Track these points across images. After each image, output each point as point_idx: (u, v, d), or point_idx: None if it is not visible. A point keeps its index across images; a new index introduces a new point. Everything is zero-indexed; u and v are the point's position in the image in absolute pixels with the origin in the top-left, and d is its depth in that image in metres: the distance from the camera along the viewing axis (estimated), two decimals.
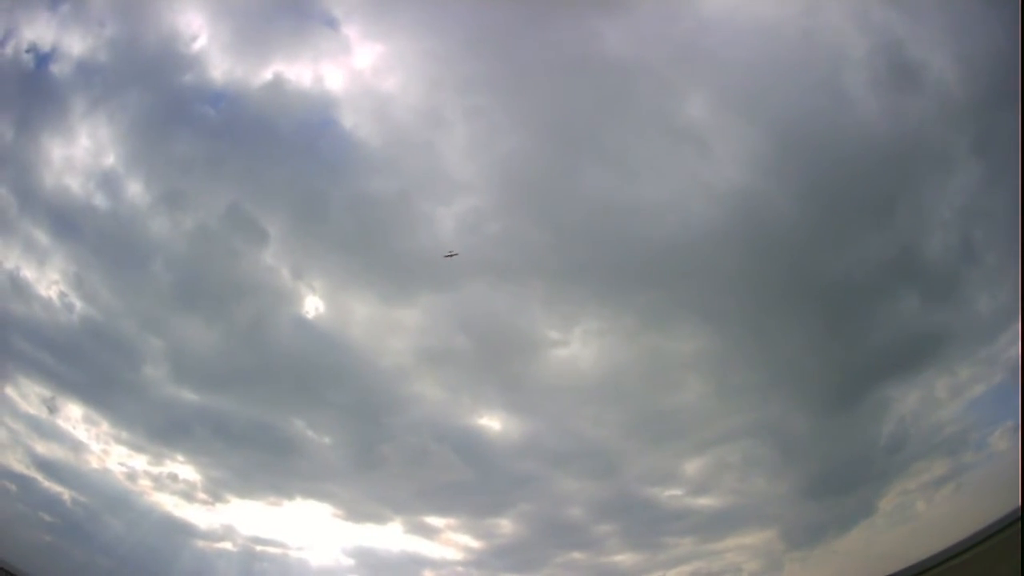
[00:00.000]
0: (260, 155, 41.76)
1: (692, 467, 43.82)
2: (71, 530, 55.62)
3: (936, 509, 33.60)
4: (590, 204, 38.97)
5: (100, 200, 52.29)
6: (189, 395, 51.27)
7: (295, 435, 49.74)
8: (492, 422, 52.70)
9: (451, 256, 42.10)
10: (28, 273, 53.97)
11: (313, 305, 48.07)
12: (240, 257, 42.87)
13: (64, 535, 54.68)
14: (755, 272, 39.58)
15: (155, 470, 58.97)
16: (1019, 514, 18.88)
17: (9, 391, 57.86)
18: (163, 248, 46.81)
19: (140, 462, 55.43)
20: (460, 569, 54.44)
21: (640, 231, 38.72)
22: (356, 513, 52.08)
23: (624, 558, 46.46)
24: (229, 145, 42.67)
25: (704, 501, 45.12)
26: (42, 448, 58.28)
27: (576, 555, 49.06)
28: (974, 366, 35.42)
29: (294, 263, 44.45)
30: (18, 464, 57.61)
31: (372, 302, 44.34)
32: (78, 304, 55.14)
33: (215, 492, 51.69)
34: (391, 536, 53.62)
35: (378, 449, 46.05)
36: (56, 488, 58.34)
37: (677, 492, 44.95)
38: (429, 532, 55.54)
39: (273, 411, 48.80)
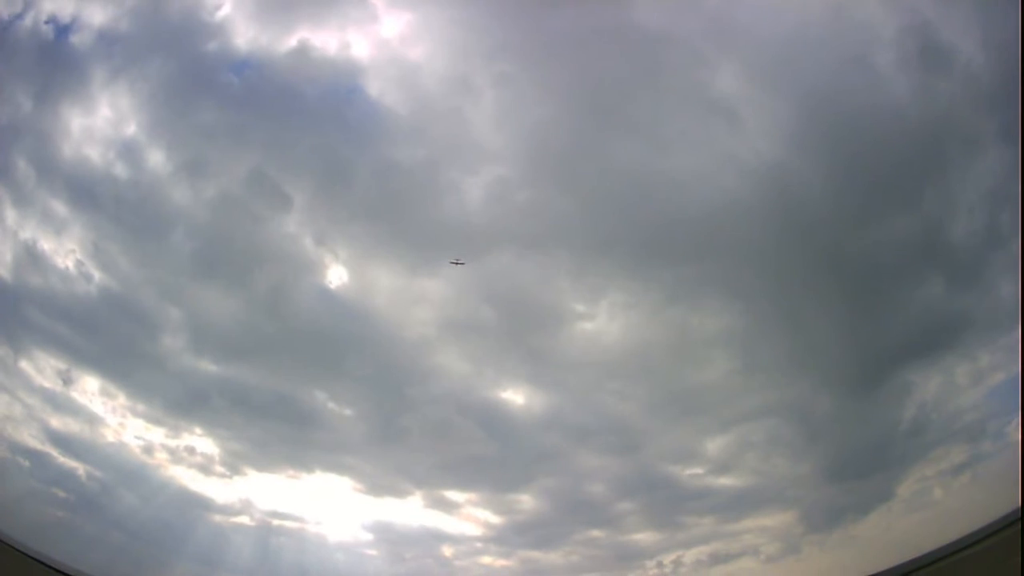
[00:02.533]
0: (285, 123, 41.38)
1: (715, 445, 43.56)
2: (85, 505, 55.46)
3: (953, 497, 33.42)
4: (619, 175, 38.68)
5: (120, 169, 51.87)
6: (208, 366, 50.94)
7: (316, 407, 49.45)
8: (515, 395, 52.37)
9: (458, 263, 41.88)
10: (45, 244, 53.57)
11: (336, 274, 47.82)
12: (263, 223, 42.58)
13: (77, 510, 54.47)
14: (783, 249, 39.32)
15: (172, 443, 58.47)
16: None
17: (24, 365, 57.42)
18: (184, 217, 46.51)
19: (157, 435, 54.94)
20: (479, 545, 54.15)
21: (669, 204, 38.43)
22: (376, 487, 51.78)
23: (643, 536, 46.17)
24: (253, 113, 42.32)
25: (725, 481, 44.85)
26: (57, 422, 57.95)
27: (595, 533, 48.79)
28: (994, 353, 35.28)
29: (318, 230, 44.18)
30: (32, 440, 57.21)
31: (397, 271, 44.08)
32: (96, 274, 54.70)
33: (233, 465, 51.32)
34: (410, 510, 53.32)
35: (399, 421, 45.80)
36: (71, 463, 58.06)
37: (699, 471, 44.68)
38: (449, 507, 55.19)
39: (294, 382, 48.53)
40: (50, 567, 31.36)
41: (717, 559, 42.25)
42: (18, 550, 33.17)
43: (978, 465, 32.98)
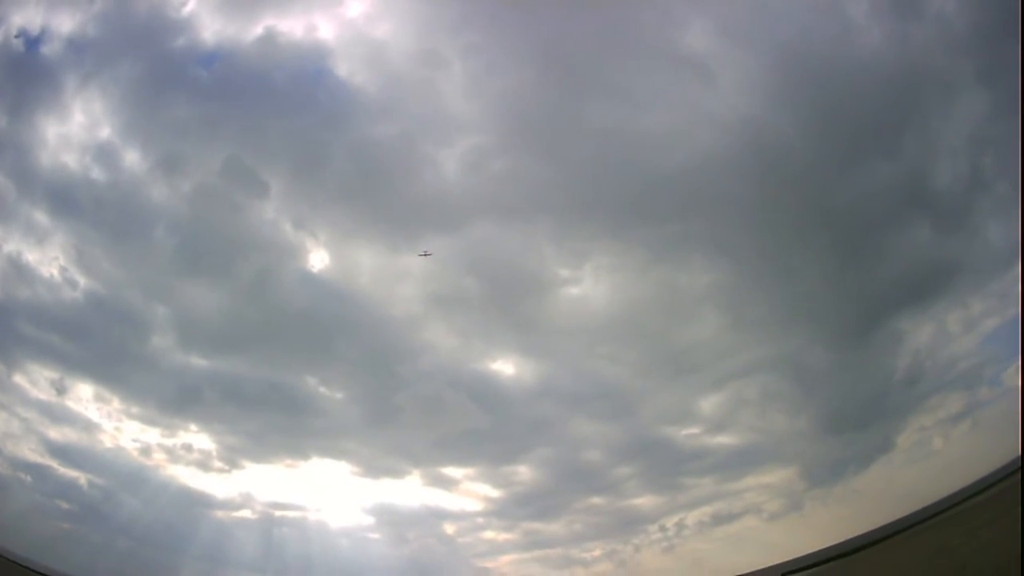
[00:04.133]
0: (256, 111, 41.22)
1: (709, 404, 43.48)
2: (88, 514, 55.31)
3: (953, 446, 33.49)
4: (595, 137, 38.47)
5: (97, 173, 51.80)
6: (198, 361, 50.88)
7: (308, 393, 49.34)
8: (505, 366, 52.33)
9: (425, 255, 41.87)
10: (30, 256, 53.57)
11: (318, 258, 47.81)
12: (241, 212, 42.51)
13: (82, 521, 54.31)
14: (765, 202, 39.11)
15: (169, 442, 58.50)
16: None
17: (18, 379, 57.35)
18: (164, 213, 46.45)
19: (153, 435, 54.91)
20: (480, 520, 54.12)
21: (647, 163, 38.22)
22: (373, 468, 51.71)
23: (644, 501, 46.13)
24: (224, 104, 42.20)
25: (722, 439, 44.74)
26: (55, 433, 57.80)
27: (596, 500, 48.70)
28: (986, 300, 35.23)
29: (296, 215, 44.14)
30: (32, 453, 57.09)
31: (378, 250, 44.00)
32: (81, 280, 54.64)
33: (231, 459, 51.32)
34: (410, 490, 53.28)
35: (392, 400, 45.73)
36: (72, 473, 57.89)
37: (695, 431, 44.61)
38: (447, 483, 55.13)
39: (284, 370, 48.41)
40: None
41: (719, 519, 42.13)
42: (26, 567, 32.89)
43: (976, 413, 33.03)
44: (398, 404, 44.60)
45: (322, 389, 49.18)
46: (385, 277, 44.69)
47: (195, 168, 43.96)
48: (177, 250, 46.67)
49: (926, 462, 33.85)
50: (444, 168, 41.27)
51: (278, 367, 47.98)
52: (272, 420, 49.40)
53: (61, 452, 53.18)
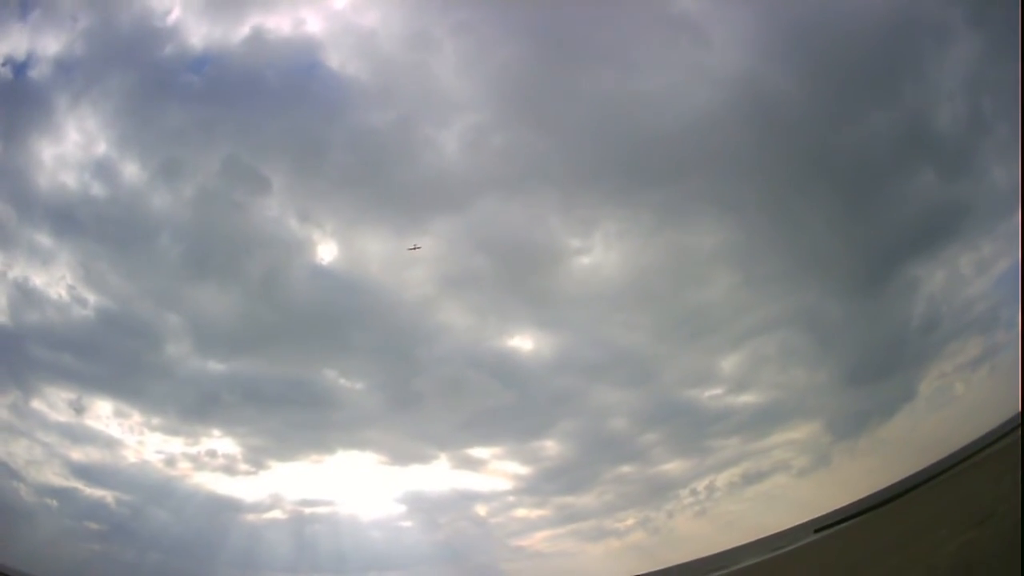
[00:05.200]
0: (251, 109, 41.18)
1: (729, 364, 43.45)
2: (118, 533, 55.09)
3: (974, 391, 33.60)
4: (592, 104, 38.38)
5: (97, 189, 51.71)
6: (215, 365, 50.89)
7: (328, 386, 49.15)
8: (523, 341, 52.16)
9: (415, 249, 41.91)
10: (37, 279, 53.56)
11: (327, 250, 47.86)
12: (245, 210, 42.52)
13: (112, 540, 54.07)
14: (767, 157, 39.11)
15: (192, 450, 58.45)
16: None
17: (36, 404, 57.34)
18: (167, 221, 46.45)
19: (176, 445, 54.87)
20: (511, 499, 54.00)
21: (646, 126, 38.13)
22: (400, 456, 51.57)
23: (673, 466, 46.09)
24: (218, 106, 42.14)
25: (745, 398, 44.65)
26: (77, 454, 57.67)
27: (625, 468, 48.51)
28: (996, 241, 35.37)
29: (301, 208, 44.12)
30: (56, 477, 57.01)
31: (385, 236, 43.93)
32: (90, 297, 54.53)
33: (256, 461, 51.39)
34: (438, 474, 53.17)
35: (413, 385, 45.64)
36: (98, 493, 57.73)
37: (717, 391, 44.61)
38: (475, 464, 54.98)
39: (302, 366, 48.27)
40: None
41: (749, 479, 42.17)
42: None
43: (995, 357, 32.98)
44: (419, 389, 44.49)
45: (341, 381, 48.94)
46: (394, 263, 44.60)
47: (195, 172, 43.98)
48: (184, 256, 46.62)
49: (949, 408, 34.04)
50: (444, 149, 41.19)
51: (295, 363, 47.86)
52: (294, 417, 49.25)
53: (85, 472, 52.65)
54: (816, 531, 28.74)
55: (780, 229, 40.22)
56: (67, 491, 57.51)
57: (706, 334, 41.41)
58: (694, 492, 47.56)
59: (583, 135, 39.12)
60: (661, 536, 45.06)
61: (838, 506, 31.88)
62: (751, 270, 40.10)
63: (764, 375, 42.49)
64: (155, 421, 54.44)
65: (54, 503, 54.86)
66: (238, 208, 42.09)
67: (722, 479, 47.07)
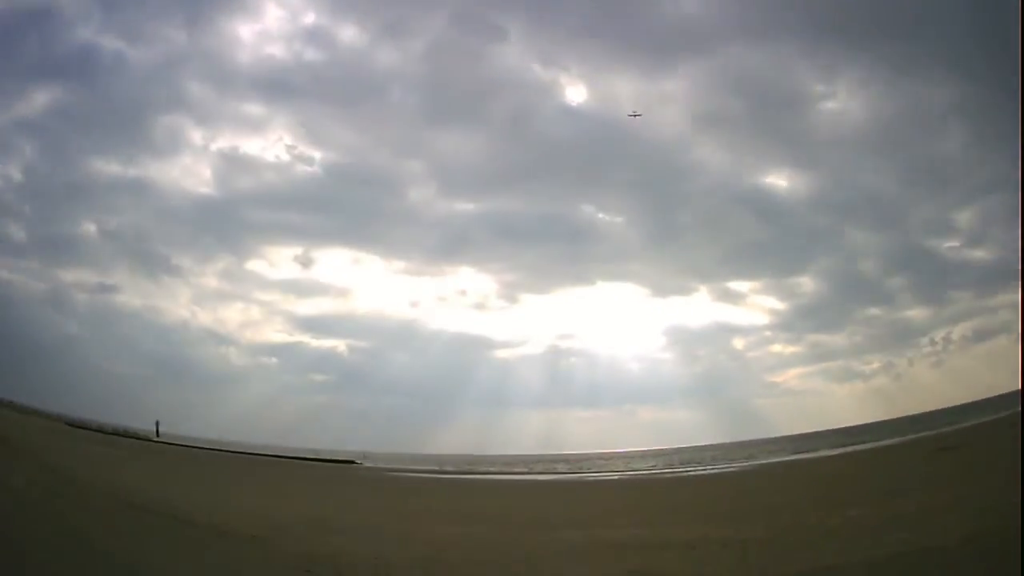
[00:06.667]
0: None
1: (963, 217, 44.76)
2: (347, 381, 57.94)
3: None
4: None
5: (312, 54, 53.62)
6: (464, 205, 53.38)
7: (585, 221, 51.31)
8: (778, 179, 54.79)
9: (635, 116, 43.06)
10: (248, 147, 56.56)
11: (575, 92, 49.31)
12: (482, 59, 43.01)
13: (339, 390, 56.75)
14: (996, 20, 39.99)
15: (439, 290, 62.48)
16: None
17: (252, 265, 60.61)
18: (396, 76, 48.20)
19: (421, 286, 58.06)
20: (768, 333, 56.80)
21: None
22: (661, 288, 54.81)
23: (915, 313, 47.88)
24: None
25: (979, 253, 45.71)
26: (304, 308, 61.11)
27: (873, 311, 50.22)
28: None
29: (542, 53, 44.95)
30: (277, 335, 60.21)
31: (633, 77, 45.15)
32: (316, 154, 56.96)
33: (510, 296, 54.10)
34: (698, 307, 56.91)
35: (673, 219, 47.45)
36: (328, 343, 61.51)
37: (955, 243, 45.82)
38: (734, 298, 58.39)
39: (557, 202, 50.44)
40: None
41: (979, 336, 42.64)
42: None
43: None
44: (679, 222, 46.43)
45: (600, 215, 51.23)
46: (646, 101, 46.27)
47: (421, 28, 45.64)
48: (420, 106, 48.79)
49: None
50: None
51: (550, 200, 50.01)
52: (550, 252, 51.51)
53: (311, 324, 55.44)
54: None
55: (1009, 90, 42.31)
56: (289, 347, 60.62)
57: (943, 185, 42.96)
58: (932, 342, 49.64)
59: None
60: (902, 384, 46.38)
61: None
62: (982, 128, 41.67)
63: (994, 233, 43.24)
64: (398, 264, 57.62)
65: (272, 360, 57.43)
66: (474, 57, 43.36)
67: (957, 332, 48.65)
